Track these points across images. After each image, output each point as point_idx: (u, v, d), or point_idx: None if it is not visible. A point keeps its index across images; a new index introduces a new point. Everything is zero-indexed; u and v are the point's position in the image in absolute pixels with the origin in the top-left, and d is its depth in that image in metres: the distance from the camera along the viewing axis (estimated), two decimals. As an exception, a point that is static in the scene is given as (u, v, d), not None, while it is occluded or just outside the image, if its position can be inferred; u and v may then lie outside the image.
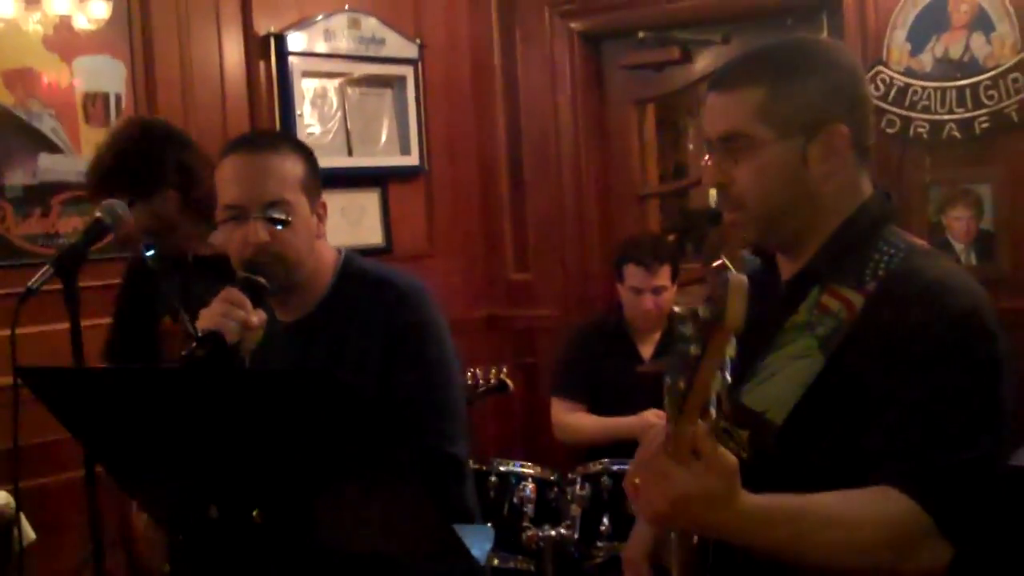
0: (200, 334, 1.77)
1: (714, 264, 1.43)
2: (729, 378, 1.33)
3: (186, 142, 2.80)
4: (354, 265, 2.16)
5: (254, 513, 1.65)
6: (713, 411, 1.30)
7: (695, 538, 1.58)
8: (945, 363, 1.45)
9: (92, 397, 1.70)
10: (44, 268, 2.22)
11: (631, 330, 3.87)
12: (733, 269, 1.24)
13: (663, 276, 3.77)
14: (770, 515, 1.39)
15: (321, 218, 2.11)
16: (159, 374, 1.90)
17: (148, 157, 2.68)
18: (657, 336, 3.86)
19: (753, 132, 1.57)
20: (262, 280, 1.96)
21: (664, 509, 1.35)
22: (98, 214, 2.37)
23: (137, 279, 2.79)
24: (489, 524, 3.11)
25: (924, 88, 3.82)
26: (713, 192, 5.36)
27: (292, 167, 2.05)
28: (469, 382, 3.38)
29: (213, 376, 1.63)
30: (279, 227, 1.98)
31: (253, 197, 2.01)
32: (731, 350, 1.29)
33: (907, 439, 1.44)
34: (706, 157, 1.67)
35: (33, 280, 2.20)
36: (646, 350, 3.86)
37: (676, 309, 3.76)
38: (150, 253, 2.46)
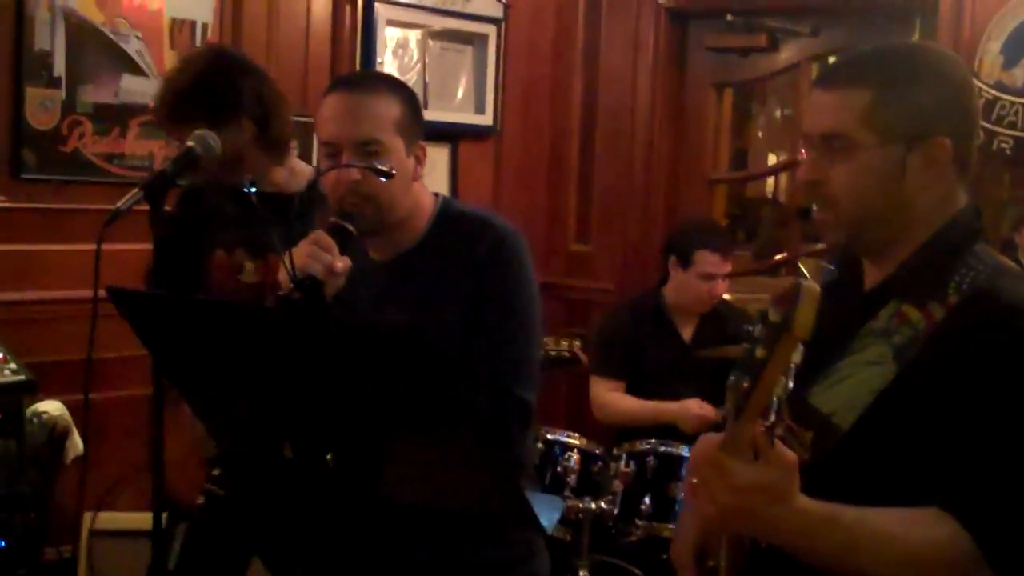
0: (299, 277, 1.78)
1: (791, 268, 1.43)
2: (791, 384, 1.33)
3: (263, 75, 2.75)
4: (452, 208, 2.15)
5: (327, 456, 1.66)
6: (773, 415, 1.31)
7: (747, 541, 1.58)
8: (1018, 393, 1.43)
9: (180, 325, 1.71)
10: (133, 191, 2.23)
11: (671, 312, 3.87)
12: (808, 277, 1.24)
13: (731, 264, 3.81)
14: (829, 518, 1.38)
15: (420, 160, 2.10)
16: (250, 311, 1.91)
17: (227, 84, 2.61)
18: (697, 319, 3.87)
19: (855, 135, 1.54)
20: (350, 227, 1.95)
21: (728, 501, 1.35)
22: (190, 143, 2.37)
23: (190, 208, 2.72)
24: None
25: (1013, 104, 3.76)
26: (771, 182, 5.38)
27: (388, 108, 2.04)
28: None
29: (307, 320, 1.63)
30: (382, 179, 1.98)
31: (347, 135, 2.01)
32: (797, 356, 1.29)
33: (968, 468, 1.42)
34: (802, 151, 1.65)
35: (122, 201, 2.21)
36: (686, 332, 3.86)
37: (726, 297, 3.77)
38: (253, 190, 2.45)
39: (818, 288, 1.22)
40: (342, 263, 1.92)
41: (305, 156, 3.88)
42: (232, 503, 2.48)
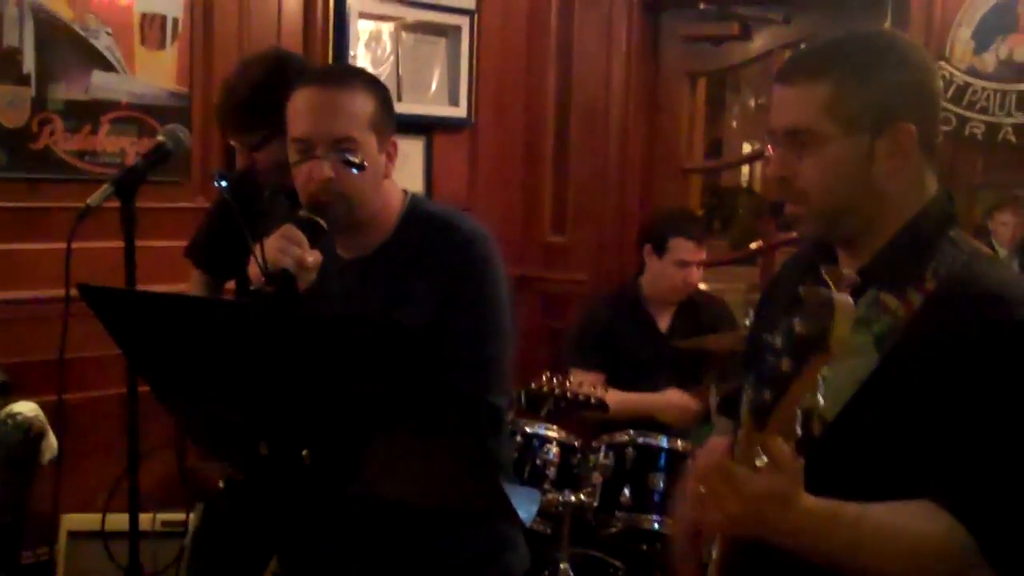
0: (271, 271, 1.76)
1: (815, 277, 1.41)
2: (822, 400, 1.33)
3: None
4: (420, 207, 2.14)
5: (303, 453, 1.65)
6: (799, 429, 1.30)
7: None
8: (998, 379, 1.43)
9: (152, 321, 1.70)
10: (104, 186, 2.21)
11: (648, 302, 3.88)
12: (833, 287, 1.22)
13: (704, 251, 3.83)
14: (832, 517, 1.40)
15: (390, 157, 2.09)
16: (222, 306, 1.90)
17: (285, 85, 2.63)
18: (673, 308, 3.87)
19: (819, 128, 1.54)
20: (321, 221, 1.94)
21: (738, 510, 1.37)
22: (160, 138, 2.35)
23: (247, 199, 2.64)
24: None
25: (984, 89, 3.78)
26: (746, 171, 5.41)
27: (362, 104, 2.03)
28: (568, 395, 3.34)
29: (277, 314, 1.62)
30: (353, 170, 1.97)
31: (321, 133, 1.99)
32: (826, 370, 1.28)
33: (953, 458, 1.43)
34: (769, 148, 1.65)
35: (92, 197, 2.20)
36: (663, 322, 3.87)
37: (702, 287, 3.77)
38: (223, 183, 2.42)
39: (851, 301, 1.21)
40: (312, 257, 1.90)
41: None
42: (250, 493, 2.48)
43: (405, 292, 2.03)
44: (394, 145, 2.09)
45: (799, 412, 1.30)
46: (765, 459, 1.34)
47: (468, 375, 1.98)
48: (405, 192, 2.15)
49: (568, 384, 3.35)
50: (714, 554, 1.59)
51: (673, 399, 3.59)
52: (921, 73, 1.59)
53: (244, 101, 2.59)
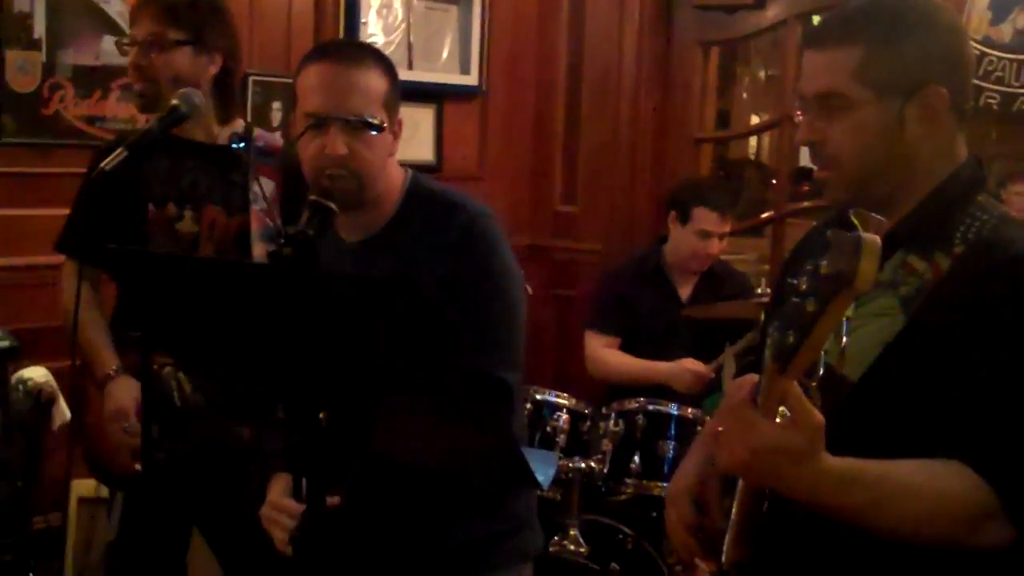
0: (290, 233, 1.76)
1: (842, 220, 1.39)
2: (845, 338, 1.32)
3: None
4: (422, 186, 2.14)
5: (320, 415, 1.65)
6: (821, 369, 1.29)
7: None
8: (1019, 344, 1.43)
9: (169, 283, 1.69)
10: (119, 150, 2.21)
11: (670, 270, 3.88)
12: (860, 228, 1.21)
13: (729, 224, 3.82)
14: (850, 478, 1.39)
15: (396, 136, 2.08)
16: (242, 267, 1.89)
17: (219, 10, 2.58)
18: (695, 278, 3.87)
19: (850, 92, 1.54)
20: (331, 205, 1.94)
21: (745, 458, 1.36)
22: (174, 102, 2.35)
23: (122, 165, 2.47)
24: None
25: (1000, 59, 3.75)
26: (754, 142, 5.40)
27: (377, 82, 2.03)
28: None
29: (298, 275, 1.62)
30: (372, 132, 1.96)
31: (337, 107, 1.98)
32: (850, 311, 1.27)
33: (980, 417, 1.43)
34: (798, 113, 1.65)
35: (107, 161, 2.20)
36: (684, 291, 3.86)
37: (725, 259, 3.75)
38: (241, 145, 2.41)
39: (878, 239, 1.19)
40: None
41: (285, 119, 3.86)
42: (172, 469, 2.45)
43: (411, 271, 2.02)
44: (400, 124, 2.09)
45: (823, 353, 1.29)
46: (786, 412, 1.34)
47: (477, 352, 1.98)
48: (406, 171, 2.15)
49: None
50: (734, 512, 1.59)
51: (687, 366, 3.59)
52: (952, 36, 1.59)
53: None
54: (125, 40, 2.58)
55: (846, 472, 1.39)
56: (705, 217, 3.75)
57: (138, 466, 2.43)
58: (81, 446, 2.60)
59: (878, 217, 1.23)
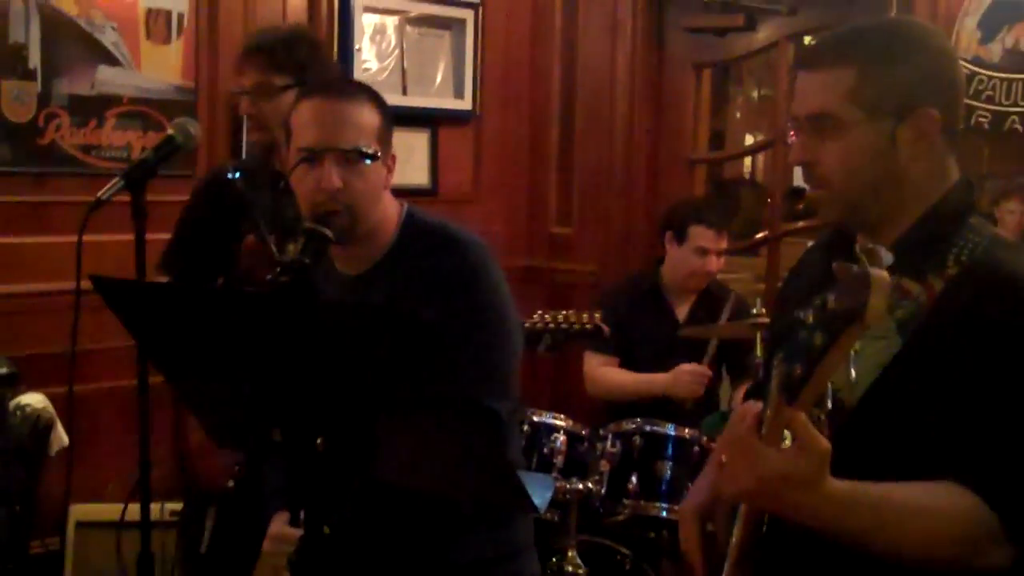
0: (286, 261, 1.77)
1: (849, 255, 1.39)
2: (853, 373, 1.33)
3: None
4: (417, 218, 2.15)
5: (317, 441, 1.66)
6: (829, 402, 1.31)
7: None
8: (1017, 365, 1.44)
9: (165, 312, 1.70)
10: (114, 180, 2.23)
11: (667, 291, 3.89)
12: (867, 263, 1.22)
13: (726, 239, 3.83)
14: (854, 501, 1.39)
15: (390, 169, 2.11)
16: (237, 296, 1.91)
17: (318, 48, 2.66)
18: (692, 298, 3.88)
19: (842, 113, 1.55)
20: (327, 232, 1.95)
21: (750, 486, 1.37)
22: (170, 131, 2.37)
23: (222, 191, 2.70)
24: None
25: (990, 78, 3.78)
26: (748, 162, 5.41)
27: (370, 116, 2.05)
28: (562, 326, 3.33)
29: (294, 304, 1.63)
30: (366, 161, 1.98)
31: (331, 141, 2.00)
32: (857, 345, 1.29)
33: (977, 438, 1.43)
34: (791, 134, 1.66)
35: (103, 191, 2.22)
36: (681, 311, 3.87)
37: (721, 279, 3.75)
38: (236, 176, 2.44)
39: (887, 275, 1.21)
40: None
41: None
42: (256, 483, 2.49)
43: (405, 303, 2.03)
44: (393, 159, 2.12)
45: (830, 386, 1.30)
46: (790, 440, 1.35)
47: (468, 382, 1.98)
48: (401, 204, 2.17)
49: (561, 316, 3.35)
50: (735, 535, 1.59)
51: (684, 371, 3.59)
52: (944, 60, 1.60)
53: (286, 40, 2.61)
54: (236, 90, 2.68)
55: (848, 495, 1.39)
56: (702, 235, 3.77)
57: (231, 484, 2.51)
58: (180, 464, 2.69)
59: (883, 250, 1.25)
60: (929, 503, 1.42)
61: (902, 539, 1.41)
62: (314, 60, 2.62)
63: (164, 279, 2.79)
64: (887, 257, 1.23)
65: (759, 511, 1.54)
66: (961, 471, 1.42)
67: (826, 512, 1.38)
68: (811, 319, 1.26)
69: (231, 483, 2.50)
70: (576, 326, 3.30)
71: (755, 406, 1.36)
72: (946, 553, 1.42)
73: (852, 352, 1.29)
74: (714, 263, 3.80)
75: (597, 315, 3.34)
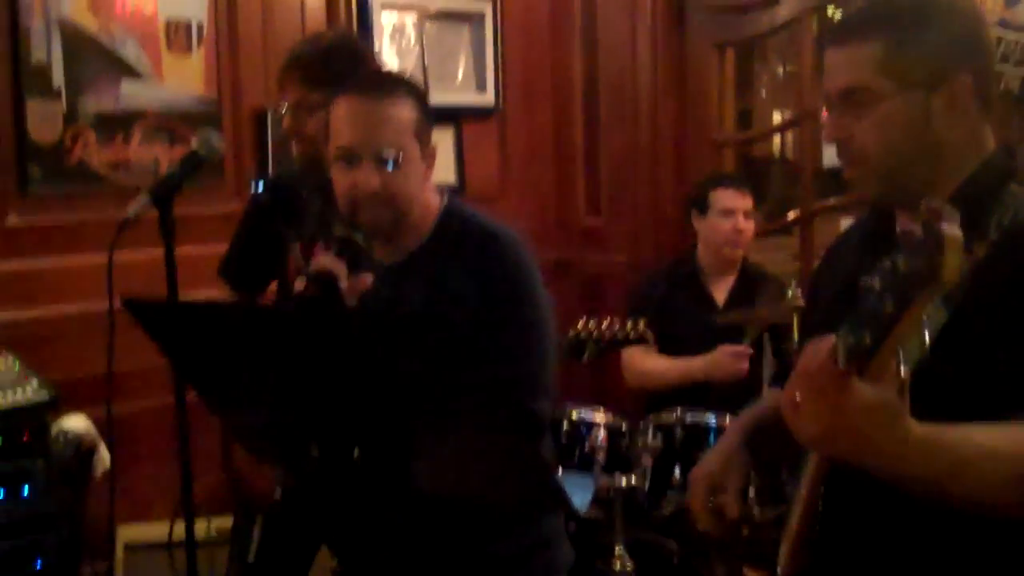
0: (314, 274, 1.77)
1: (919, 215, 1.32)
2: (928, 339, 1.25)
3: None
4: (457, 210, 2.16)
5: (354, 453, 1.65)
6: (903, 369, 1.24)
7: (819, 493, 1.56)
8: None
9: (197, 330, 1.70)
10: (140, 197, 2.23)
11: (704, 275, 3.86)
12: (935, 223, 1.16)
13: (751, 202, 3.80)
14: (936, 442, 1.32)
15: (429, 164, 2.10)
16: (266, 312, 1.90)
17: (360, 59, 2.64)
18: (731, 281, 3.86)
19: (874, 86, 1.54)
20: (358, 239, 1.95)
21: (834, 422, 1.27)
22: (193, 145, 2.36)
23: (281, 200, 2.73)
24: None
25: (1017, 42, 3.71)
26: (777, 140, 5.35)
27: (408, 113, 2.05)
28: (606, 335, 3.32)
29: (320, 317, 1.62)
30: (390, 168, 1.97)
31: (368, 142, 2.00)
32: (930, 309, 1.23)
33: None
34: (824, 112, 1.64)
35: (130, 208, 2.22)
36: (719, 295, 3.84)
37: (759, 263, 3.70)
38: (260, 188, 2.44)
39: (960, 233, 1.15)
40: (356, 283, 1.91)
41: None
42: (303, 493, 2.49)
43: (444, 294, 2.03)
44: (433, 151, 2.11)
45: (901, 353, 1.24)
46: None
47: (508, 382, 1.98)
48: (443, 194, 2.16)
49: (604, 324, 3.33)
50: (793, 520, 1.57)
51: (724, 352, 3.55)
52: (973, 23, 1.59)
53: (323, 53, 2.59)
54: (280, 106, 2.67)
55: (930, 435, 1.32)
56: (723, 196, 3.77)
57: (278, 494, 2.51)
58: (228, 477, 2.74)
59: (948, 207, 1.19)
60: (1005, 443, 1.36)
61: (977, 481, 1.35)
62: (356, 72, 2.60)
63: (224, 285, 2.84)
64: (953, 213, 1.18)
65: (834, 459, 1.48)
66: None
67: (909, 454, 1.30)
68: (879, 285, 1.20)
69: (278, 493, 2.51)
70: (619, 335, 3.28)
71: (827, 340, 1.26)
72: (1019, 495, 1.35)
73: (924, 317, 1.22)
74: (743, 223, 3.77)
75: (642, 323, 3.32)
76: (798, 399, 1.29)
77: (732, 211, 3.76)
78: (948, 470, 1.34)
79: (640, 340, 3.28)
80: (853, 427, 1.27)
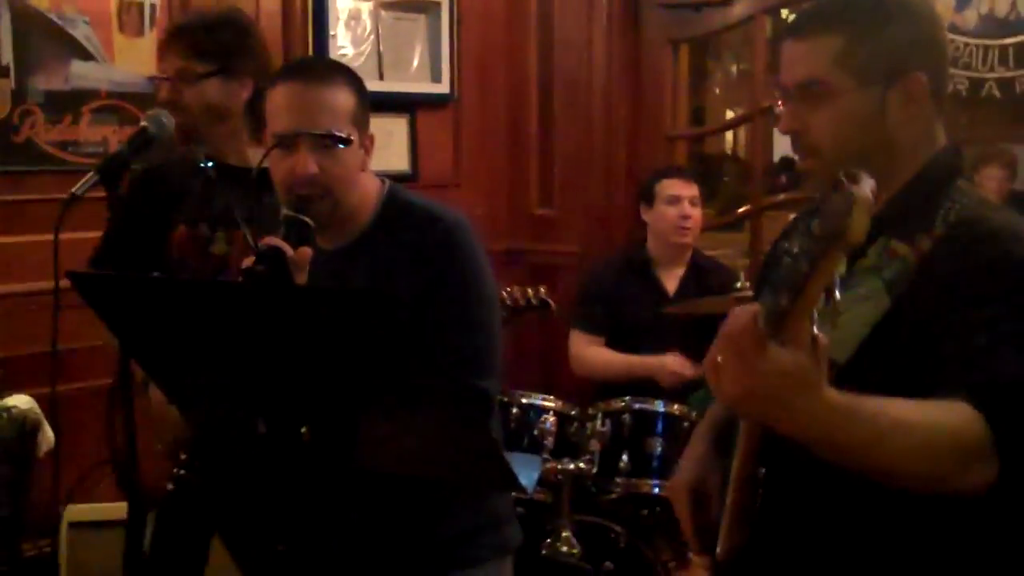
0: (262, 250, 1.76)
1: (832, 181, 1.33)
2: (838, 295, 1.27)
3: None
4: (399, 196, 2.15)
5: (302, 430, 1.65)
6: (816, 330, 1.26)
7: (752, 468, 1.58)
8: (1007, 299, 1.44)
9: (144, 306, 1.69)
10: (89, 175, 2.20)
11: (655, 265, 3.89)
12: (849, 185, 1.19)
13: (696, 189, 3.87)
14: (853, 411, 1.33)
15: (368, 151, 2.09)
16: (215, 286, 1.89)
17: (245, 34, 2.59)
18: (681, 271, 3.89)
19: (831, 79, 1.57)
20: (307, 219, 1.95)
21: (751, 384, 1.26)
22: (143, 123, 2.35)
23: (151, 184, 2.63)
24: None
25: (967, 45, 3.79)
26: (730, 137, 5.41)
27: (345, 99, 2.04)
28: (507, 301, 3.34)
29: (272, 292, 1.62)
30: (340, 146, 1.97)
31: (304, 127, 1.99)
32: (842, 267, 1.25)
33: (973, 357, 1.42)
34: (780, 104, 1.66)
35: (77, 186, 2.19)
36: (670, 285, 3.88)
37: (710, 254, 3.73)
38: (210, 164, 2.40)
39: (869, 194, 1.18)
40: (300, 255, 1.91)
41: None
42: (199, 486, 2.45)
43: (389, 279, 2.03)
44: (371, 139, 2.11)
45: (815, 313, 1.24)
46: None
47: (455, 361, 1.99)
48: (383, 181, 2.16)
49: (505, 293, 3.36)
50: (727, 502, 1.60)
51: (669, 364, 3.60)
52: (930, 24, 1.63)
53: (210, 23, 2.54)
54: (157, 76, 2.60)
55: (848, 404, 1.32)
56: (668, 185, 3.84)
57: (170, 486, 2.44)
58: (115, 468, 2.61)
59: (865, 174, 1.22)
60: (925, 415, 1.38)
61: (897, 451, 1.36)
62: (242, 46, 2.56)
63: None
64: (869, 181, 1.20)
65: (752, 460, 1.51)
66: (957, 387, 1.40)
67: (826, 420, 1.31)
68: (796, 248, 1.22)
69: (171, 486, 2.44)
70: (522, 302, 3.31)
71: (751, 307, 1.27)
72: (932, 467, 1.38)
73: (837, 277, 1.24)
74: (688, 208, 3.82)
75: (542, 289, 3.35)
76: (719, 360, 1.30)
77: (678, 198, 3.81)
78: (864, 439, 1.35)
79: (543, 306, 3.31)
80: (769, 389, 1.26)
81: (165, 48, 2.58)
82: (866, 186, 1.19)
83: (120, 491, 2.69)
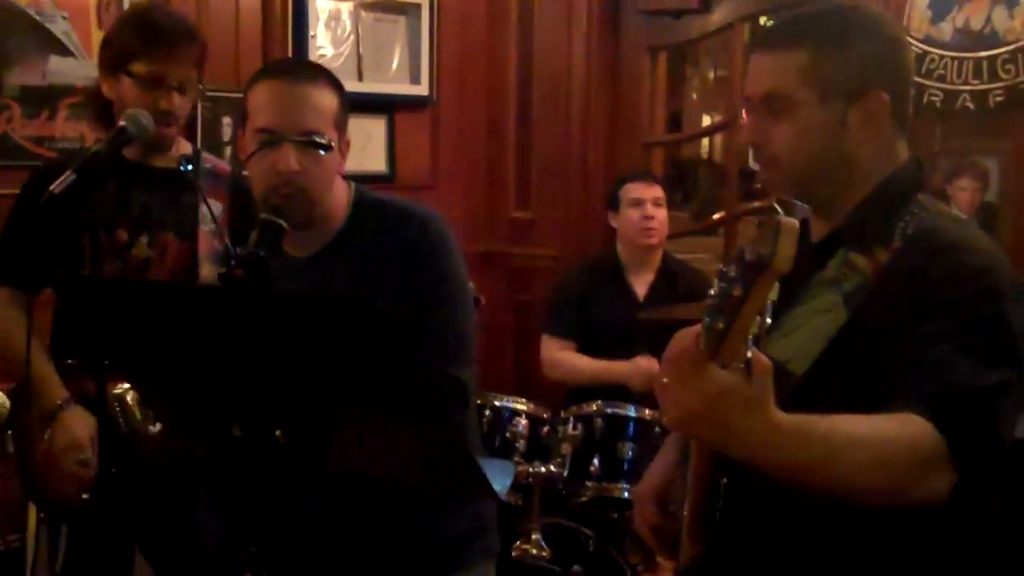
0: (241, 254, 1.77)
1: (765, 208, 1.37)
2: (769, 320, 1.30)
3: None
4: (367, 197, 2.17)
5: (277, 433, 1.66)
6: (748, 353, 1.28)
7: (712, 479, 1.61)
8: (960, 311, 1.46)
9: (121, 308, 1.70)
10: (66, 174, 2.20)
11: (625, 269, 3.92)
12: (783, 213, 1.23)
13: (660, 191, 3.91)
14: (802, 430, 1.34)
15: (344, 155, 2.11)
16: (194, 291, 1.90)
17: (200, 40, 2.57)
18: (651, 276, 3.91)
19: (795, 93, 1.59)
20: (282, 222, 1.96)
21: (697, 407, 1.28)
22: (123, 123, 2.34)
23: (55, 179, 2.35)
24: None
25: (941, 57, 3.81)
26: (706, 143, 5.45)
27: (329, 100, 2.05)
28: None
29: (249, 296, 1.63)
30: (321, 152, 1.98)
31: (290, 124, 2.00)
32: (773, 294, 1.28)
33: (926, 367, 1.43)
34: (743, 114, 1.69)
35: (55, 184, 2.19)
36: (640, 289, 3.90)
37: (681, 257, 3.76)
38: (189, 167, 2.40)
39: (796, 223, 1.21)
40: None
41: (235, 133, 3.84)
42: (120, 497, 2.42)
43: (370, 278, 2.04)
44: (347, 143, 2.13)
45: (749, 337, 1.27)
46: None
47: (433, 352, 2.00)
48: (350, 184, 2.18)
49: None
50: (685, 511, 1.62)
51: (643, 366, 3.62)
52: (895, 46, 1.65)
53: (186, 30, 2.50)
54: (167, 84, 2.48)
55: (798, 423, 1.34)
56: (631, 189, 3.89)
57: (86, 496, 2.39)
58: (23, 478, 2.56)
59: (801, 204, 1.26)
60: (878, 429, 1.39)
61: (850, 467, 1.37)
62: (191, 40, 2.52)
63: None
64: (803, 208, 1.24)
65: (709, 469, 1.54)
66: (909, 399, 1.41)
67: (775, 441, 1.32)
68: (732, 272, 1.24)
69: (85, 495, 2.38)
70: None
71: (694, 328, 1.29)
72: (888, 480, 1.39)
73: (769, 303, 1.27)
74: (651, 209, 3.86)
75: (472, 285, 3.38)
76: (665, 381, 1.32)
77: (641, 200, 3.86)
78: (817, 457, 1.36)
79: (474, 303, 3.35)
80: (711, 410, 1.28)
81: (174, 52, 2.47)
82: (798, 215, 1.22)
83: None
